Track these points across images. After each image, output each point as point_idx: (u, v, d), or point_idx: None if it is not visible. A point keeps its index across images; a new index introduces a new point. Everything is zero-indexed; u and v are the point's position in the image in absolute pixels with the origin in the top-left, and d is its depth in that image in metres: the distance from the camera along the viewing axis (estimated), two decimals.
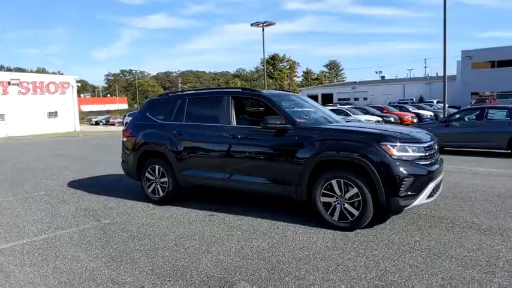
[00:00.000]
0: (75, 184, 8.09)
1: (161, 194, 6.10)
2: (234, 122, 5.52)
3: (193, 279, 3.41)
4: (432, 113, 28.25)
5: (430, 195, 4.51)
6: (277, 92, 6.03)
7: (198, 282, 3.36)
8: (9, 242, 4.57)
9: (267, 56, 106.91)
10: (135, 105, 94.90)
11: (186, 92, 6.42)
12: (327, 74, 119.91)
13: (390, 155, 4.31)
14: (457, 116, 11.55)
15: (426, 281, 3.24)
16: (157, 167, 6.12)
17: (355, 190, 4.42)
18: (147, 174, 6.24)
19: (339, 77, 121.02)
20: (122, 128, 38.36)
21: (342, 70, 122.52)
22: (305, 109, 5.69)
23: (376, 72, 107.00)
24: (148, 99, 7.04)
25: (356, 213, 4.44)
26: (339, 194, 4.54)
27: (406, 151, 4.38)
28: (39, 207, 6.18)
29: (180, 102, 6.15)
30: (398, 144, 4.37)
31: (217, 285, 3.29)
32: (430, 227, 4.63)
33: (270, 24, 36.69)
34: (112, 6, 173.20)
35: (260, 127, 5.09)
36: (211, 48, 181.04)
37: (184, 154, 5.79)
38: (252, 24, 36.75)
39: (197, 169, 5.73)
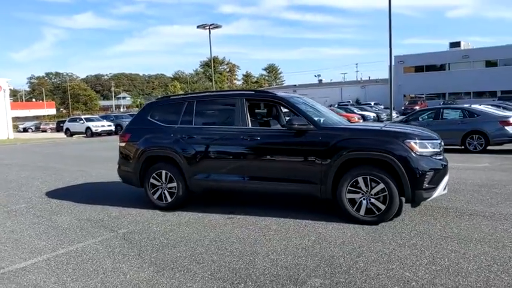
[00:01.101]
0: (55, 194, 7.50)
1: (169, 199, 5.92)
2: (249, 124, 5.56)
3: (262, 280, 3.43)
4: (375, 114, 30.27)
5: (445, 188, 4.95)
6: (286, 93, 6.16)
7: (268, 282, 3.39)
8: (27, 260, 4.18)
9: (206, 59, 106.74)
10: (63, 110, 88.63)
11: (192, 95, 6.30)
12: (266, 77, 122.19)
13: (414, 152, 4.67)
14: (416, 115, 12.60)
15: (475, 262, 3.59)
16: (164, 172, 5.93)
17: (381, 186, 4.71)
18: (152, 180, 6.02)
19: (277, 80, 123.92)
20: (59, 134, 35.85)
21: (280, 73, 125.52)
22: (316, 110, 5.89)
23: (315, 75, 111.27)
24: (147, 102, 6.78)
25: (382, 207, 4.73)
26: (365, 190, 4.80)
27: (426, 147, 4.77)
28: (32, 221, 5.67)
29: (186, 105, 6.03)
30: (419, 141, 4.75)
31: (290, 283, 3.35)
32: (442, 216, 5.07)
33: (216, 26, 36.75)
34: (32, 4, 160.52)
35: (283, 128, 5.20)
36: (144, 50, 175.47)
37: (197, 158, 5.69)
38: (198, 27, 36.55)
39: (212, 172, 5.66)
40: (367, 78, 77.11)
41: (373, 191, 4.77)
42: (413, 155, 4.66)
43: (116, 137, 27.65)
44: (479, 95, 42.58)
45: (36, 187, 8.44)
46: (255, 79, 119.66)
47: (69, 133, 31.02)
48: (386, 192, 4.69)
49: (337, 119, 5.99)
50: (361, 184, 4.81)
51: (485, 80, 42.43)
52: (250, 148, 5.41)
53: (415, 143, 4.72)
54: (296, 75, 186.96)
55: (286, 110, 6.08)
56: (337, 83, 74.80)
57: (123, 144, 6.40)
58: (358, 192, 4.85)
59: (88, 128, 29.22)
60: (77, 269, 3.86)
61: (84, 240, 4.74)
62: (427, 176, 4.64)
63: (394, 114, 32.44)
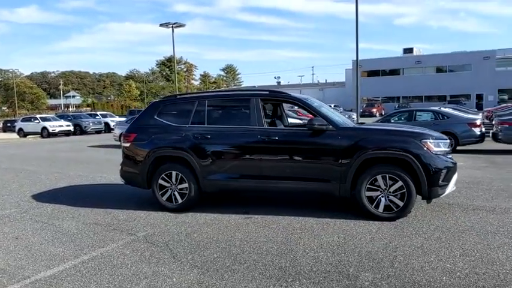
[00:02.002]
0: (44, 198, 7.05)
1: (180, 201, 5.79)
2: (265, 124, 5.59)
3: (314, 276, 3.49)
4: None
5: (454, 185, 5.29)
6: (297, 94, 6.24)
7: (322, 279, 3.46)
8: (51, 267, 3.93)
9: (163, 58, 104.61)
10: (6, 109, 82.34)
11: (202, 94, 6.19)
12: (224, 78, 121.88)
13: (430, 151, 4.95)
14: (390, 117, 13.24)
15: (501, 252, 3.90)
16: (174, 172, 5.80)
17: (399, 183, 4.94)
18: (160, 181, 5.86)
19: (236, 81, 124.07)
20: (8, 135, 33.33)
21: (239, 74, 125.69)
22: (328, 111, 6.03)
23: (274, 77, 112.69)
24: (153, 101, 6.55)
25: (401, 204, 4.96)
26: (384, 187, 5.01)
27: (439, 147, 5.08)
28: (33, 227, 5.31)
29: (197, 104, 5.93)
30: (434, 140, 5.05)
31: (343, 278, 3.44)
32: (449, 211, 5.41)
33: (180, 25, 36.19)
34: None
35: (303, 128, 5.28)
36: (94, 47, 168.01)
37: (212, 158, 5.63)
38: (161, 25, 35.79)
39: (228, 173, 5.62)
40: (324, 81, 79.44)
41: (392, 189, 4.99)
42: (430, 154, 4.94)
43: (77, 138, 26.49)
44: (430, 99, 45.38)
45: (17, 191, 7.86)
46: (213, 79, 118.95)
47: (23, 133, 29.05)
48: (405, 190, 4.93)
49: (345, 119, 6.17)
50: (380, 182, 5.02)
51: (436, 85, 45.33)
52: (269, 148, 5.44)
53: (431, 142, 5.01)
54: (254, 77, 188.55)
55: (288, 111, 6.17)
56: (296, 85, 76.24)
57: (127, 144, 6.17)
58: (377, 190, 5.05)
59: (44, 128, 27.55)
60: (114, 275, 3.70)
61: (105, 245, 4.53)
62: (441, 174, 4.94)
63: (353, 116, 33.75)
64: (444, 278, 3.40)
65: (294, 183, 5.38)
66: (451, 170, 5.06)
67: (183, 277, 3.59)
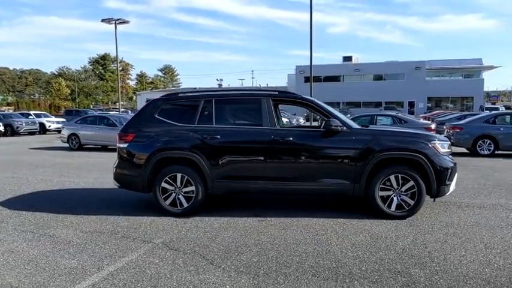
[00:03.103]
0: (14, 205, 6.25)
1: (185, 205, 5.51)
2: (277, 124, 5.53)
3: (369, 276, 3.52)
4: (287, 119, 31.96)
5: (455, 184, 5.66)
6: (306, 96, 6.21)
7: (378, 277, 3.50)
8: (78, 283, 3.49)
9: (95, 55, 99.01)
10: None
11: (208, 93, 5.92)
12: (162, 79, 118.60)
13: (438, 151, 5.25)
14: (354, 121, 13.82)
15: None
16: (179, 175, 5.50)
17: (411, 183, 5.18)
18: (163, 185, 5.52)
19: (174, 82, 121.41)
20: None
21: (177, 75, 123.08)
22: (336, 113, 6.10)
23: (217, 79, 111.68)
24: (152, 99, 6.12)
25: (412, 202, 5.20)
26: (396, 187, 5.22)
27: (444, 148, 5.41)
28: (25, 238, 4.70)
29: (203, 103, 5.69)
30: (440, 142, 5.37)
31: (397, 275, 3.51)
32: (447, 209, 5.79)
33: (124, 22, 34.63)
34: None
35: (318, 129, 5.30)
36: (14, 42, 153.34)
37: (222, 159, 5.43)
38: (103, 20, 33.93)
39: (239, 175, 5.45)
40: (266, 85, 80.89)
41: (404, 188, 5.21)
42: (438, 154, 5.24)
43: (10, 139, 23.94)
44: (367, 105, 48.31)
45: None
46: (150, 79, 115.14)
47: None
48: (416, 189, 5.17)
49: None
50: (393, 182, 5.21)
51: (373, 92, 48.44)
52: (283, 149, 5.38)
53: (438, 143, 5.32)
54: (194, 79, 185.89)
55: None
56: (240, 89, 76.50)
57: (124, 145, 5.73)
58: (389, 190, 5.24)
59: None
60: (157, 285, 3.40)
61: (125, 254, 4.15)
62: (448, 173, 5.26)
63: (301, 120, 34.82)
64: (487, 269, 3.62)
65: (308, 184, 5.38)
66: (453, 169, 5.41)
67: (237, 284, 3.41)
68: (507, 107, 46.87)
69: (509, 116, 12.59)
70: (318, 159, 5.40)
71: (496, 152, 12.17)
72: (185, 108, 5.81)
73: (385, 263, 3.80)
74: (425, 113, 37.52)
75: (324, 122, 5.36)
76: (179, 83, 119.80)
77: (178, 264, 3.85)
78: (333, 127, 5.25)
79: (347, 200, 6.26)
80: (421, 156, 5.16)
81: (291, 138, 5.39)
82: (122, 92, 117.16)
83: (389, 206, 5.25)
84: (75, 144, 15.82)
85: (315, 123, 24.40)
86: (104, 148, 16.19)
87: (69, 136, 15.86)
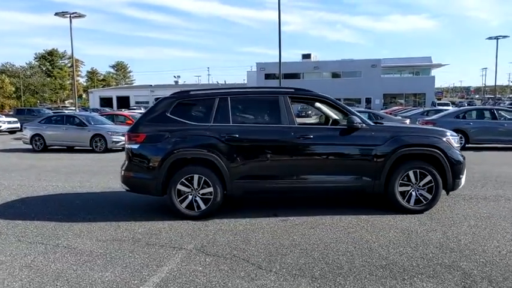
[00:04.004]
0: (3, 214, 5.67)
1: (203, 207, 5.28)
2: (296, 122, 5.45)
3: (425, 272, 3.55)
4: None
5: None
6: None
7: (432, 272, 3.54)
8: None
9: (42, 51, 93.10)
10: None
11: (221, 90, 5.68)
12: (115, 76, 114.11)
13: (452, 146, 5.43)
14: None
15: None
16: (196, 176, 5.26)
17: (429, 177, 5.31)
18: (179, 187, 5.25)
19: (127, 79, 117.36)
20: None
21: (130, 72, 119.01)
22: (352, 110, 6.09)
23: (174, 76, 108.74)
24: (161, 97, 5.75)
25: (429, 196, 5.34)
26: (414, 182, 5.33)
27: (456, 142, 5.60)
28: (36, 250, 4.25)
29: (218, 101, 5.46)
30: (453, 137, 5.55)
31: (451, 269, 3.57)
32: (455, 201, 6.01)
33: (79, 16, 32.79)
34: None
35: (338, 126, 5.29)
36: None
37: (241, 159, 5.25)
38: (56, 14, 31.87)
39: (258, 174, 5.31)
40: (224, 82, 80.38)
41: (422, 183, 5.34)
42: (453, 149, 5.42)
43: None
44: None
45: None
46: (102, 76, 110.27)
47: None
48: (433, 183, 5.32)
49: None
50: (411, 177, 5.32)
51: (332, 89, 49.50)
52: (303, 146, 5.31)
53: (452, 138, 5.50)
54: (148, 75, 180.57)
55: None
56: (196, 85, 75.54)
57: (135, 146, 5.37)
58: (408, 185, 5.35)
59: None
60: None
61: (162, 263, 3.87)
62: (461, 167, 5.46)
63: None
64: None
65: (329, 182, 5.36)
66: (464, 163, 5.62)
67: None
68: (452, 102, 50.18)
69: (477, 111, 13.44)
70: (339, 156, 5.39)
71: (467, 145, 12.93)
72: (199, 106, 5.56)
73: (432, 258, 3.85)
74: (381, 109, 39.10)
75: (346, 119, 5.35)
76: (132, 80, 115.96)
77: (225, 271, 3.66)
78: (355, 124, 5.25)
79: (357, 196, 6.32)
80: (438, 151, 5.31)
81: (311, 136, 5.33)
82: (71, 90, 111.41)
83: (408, 201, 5.36)
84: (39, 145, 14.72)
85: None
86: (71, 149, 15.26)
87: (33, 137, 14.73)
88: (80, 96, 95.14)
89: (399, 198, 5.34)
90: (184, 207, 5.28)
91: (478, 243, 4.23)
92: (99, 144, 14.05)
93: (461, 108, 15.64)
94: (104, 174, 9.29)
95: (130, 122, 17.67)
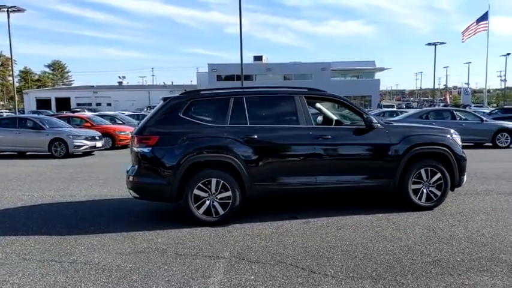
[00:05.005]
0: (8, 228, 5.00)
1: (221, 212, 5.03)
2: (313, 122, 5.40)
3: (472, 264, 3.65)
4: None
5: None
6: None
7: (479, 265, 3.65)
8: None
9: None
10: None
11: (235, 90, 5.44)
12: (51, 76, 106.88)
13: (457, 144, 5.70)
14: None
15: None
16: (214, 180, 5.00)
17: (438, 175, 5.52)
18: (196, 192, 4.97)
19: (65, 80, 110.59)
20: None
21: (68, 72, 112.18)
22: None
23: (119, 77, 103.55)
24: (170, 97, 5.34)
25: (439, 193, 5.56)
26: (425, 179, 5.52)
27: (459, 140, 5.88)
28: (52, 269, 3.76)
29: (233, 101, 5.24)
30: (456, 135, 5.82)
31: (497, 263, 3.70)
32: (458, 198, 6.26)
33: (18, 10, 30.29)
34: None
35: (356, 126, 5.33)
36: None
37: (260, 161, 5.09)
38: None
39: (278, 176, 5.17)
40: (171, 83, 78.40)
41: (432, 180, 5.53)
42: (459, 147, 5.69)
43: None
44: None
45: None
46: (37, 76, 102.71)
47: None
48: (442, 181, 5.53)
49: None
50: (423, 175, 5.50)
51: None
52: (322, 147, 5.27)
53: (455, 136, 5.77)
54: (89, 75, 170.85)
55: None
56: (146, 86, 73.23)
57: (146, 149, 4.98)
58: (420, 183, 5.52)
59: None
60: None
61: (206, 274, 3.60)
62: (465, 164, 5.75)
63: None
64: None
65: (349, 183, 5.36)
66: (466, 160, 5.92)
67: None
68: (390, 106, 53.36)
69: (438, 112, 14.37)
70: (358, 156, 5.43)
71: None
72: (213, 106, 5.30)
73: (470, 252, 3.98)
74: None
75: (365, 118, 5.39)
76: (71, 81, 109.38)
77: (279, 278, 3.49)
78: (374, 124, 5.32)
79: (359, 196, 6.39)
80: (446, 149, 5.54)
81: (329, 136, 5.31)
82: (1, 91, 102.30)
83: (420, 198, 5.53)
84: None
85: None
86: (22, 155, 13.98)
87: None
88: (11, 98, 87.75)
89: (412, 195, 5.49)
90: (202, 213, 4.99)
91: (501, 235, 4.46)
92: (59, 149, 12.99)
93: (424, 109, 16.64)
94: (80, 181, 8.57)
95: (88, 124, 16.58)
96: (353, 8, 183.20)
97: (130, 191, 5.17)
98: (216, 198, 5.03)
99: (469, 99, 54.30)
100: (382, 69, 58.87)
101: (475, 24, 41.79)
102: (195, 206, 4.98)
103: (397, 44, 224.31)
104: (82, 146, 13.12)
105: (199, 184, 4.98)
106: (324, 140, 5.27)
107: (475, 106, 42.95)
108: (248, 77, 52.81)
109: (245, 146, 5.06)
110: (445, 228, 4.74)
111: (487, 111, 26.23)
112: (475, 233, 4.55)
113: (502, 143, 13.86)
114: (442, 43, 42.47)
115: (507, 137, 13.91)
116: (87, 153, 14.03)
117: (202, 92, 5.47)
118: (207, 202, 5.01)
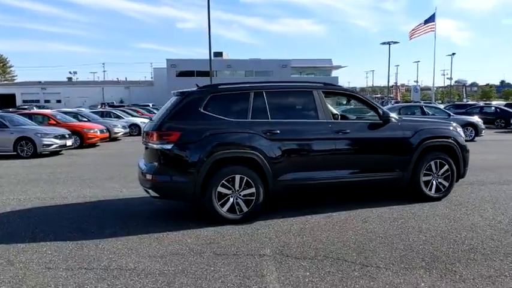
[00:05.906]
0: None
1: (245, 209, 4.91)
2: (331, 117, 5.41)
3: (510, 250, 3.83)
4: None
5: None
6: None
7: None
8: None
9: None
10: None
11: (253, 84, 5.28)
12: None
13: (462, 137, 5.97)
14: None
15: None
16: (238, 176, 4.86)
17: (446, 166, 5.76)
18: (220, 189, 4.81)
19: (7, 75, 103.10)
20: None
21: (11, 67, 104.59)
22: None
23: (70, 72, 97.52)
24: (187, 91, 5.05)
25: (447, 184, 5.80)
26: (435, 171, 5.73)
27: (462, 133, 6.17)
28: (88, 277, 3.46)
29: (253, 96, 5.11)
30: (461, 129, 6.10)
31: None
32: (463, 188, 6.53)
33: None
34: None
35: (373, 120, 5.42)
36: None
37: (283, 156, 5.01)
38: None
39: (300, 171, 5.13)
40: (125, 79, 75.60)
41: (440, 172, 5.76)
42: (463, 139, 5.97)
43: None
44: None
45: None
46: None
47: None
48: (449, 172, 5.78)
49: None
50: (433, 167, 5.71)
51: None
52: (342, 141, 5.30)
53: (459, 129, 6.05)
54: (35, 70, 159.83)
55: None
56: (99, 82, 69.99)
57: (169, 146, 4.72)
58: (429, 175, 5.72)
59: None
60: None
61: (257, 274, 3.48)
62: (469, 155, 6.04)
63: None
64: None
65: (366, 177, 5.44)
66: (469, 152, 6.20)
67: (427, 280, 3.28)
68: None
69: (410, 108, 15.05)
70: (376, 150, 5.52)
71: None
72: (234, 101, 5.13)
73: (500, 239, 4.18)
74: None
75: (382, 113, 5.48)
76: (14, 76, 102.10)
77: (334, 273, 3.46)
78: (390, 117, 5.44)
79: (368, 189, 6.50)
80: (454, 142, 5.79)
81: (348, 131, 5.34)
82: None
83: (430, 190, 5.73)
84: None
85: None
86: None
87: None
88: None
89: (423, 187, 5.68)
90: (226, 210, 4.84)
91: None
92: (26, 149, 12.03)
93: (396, 104, 17.34)
94: (65, 182, 7.99)
95: (52, 122, 15.51)
96: (305, 7, 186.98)
97: (150, 190, 4.89)
98: (240, 195, 4.89)
99: (419, 96, 57.32)
100: (338, 67, 60.63)
101: (423, 24, 44.07)
102: (219, 203, 4.81)
103: (348, 43, 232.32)
104: (52, 145, 12.25)
105: (223, 181, 4.81)
106: (344, 134, 5.30)
107: (424, 103, 45.47)
108: (208, 73, 52.23)
109: (268, 141, 4.96)
110: (463, 217, 4.95)
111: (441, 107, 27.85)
112: (493, 221, 4.79)
113: (467, 136, 14.81)
114: (396, 42, 44.67)
115: (471, 130, 14.92)
116: (55, 152, 13.13)
117: (221, 87, 5.28)
118: (231, 199, 4.86)
